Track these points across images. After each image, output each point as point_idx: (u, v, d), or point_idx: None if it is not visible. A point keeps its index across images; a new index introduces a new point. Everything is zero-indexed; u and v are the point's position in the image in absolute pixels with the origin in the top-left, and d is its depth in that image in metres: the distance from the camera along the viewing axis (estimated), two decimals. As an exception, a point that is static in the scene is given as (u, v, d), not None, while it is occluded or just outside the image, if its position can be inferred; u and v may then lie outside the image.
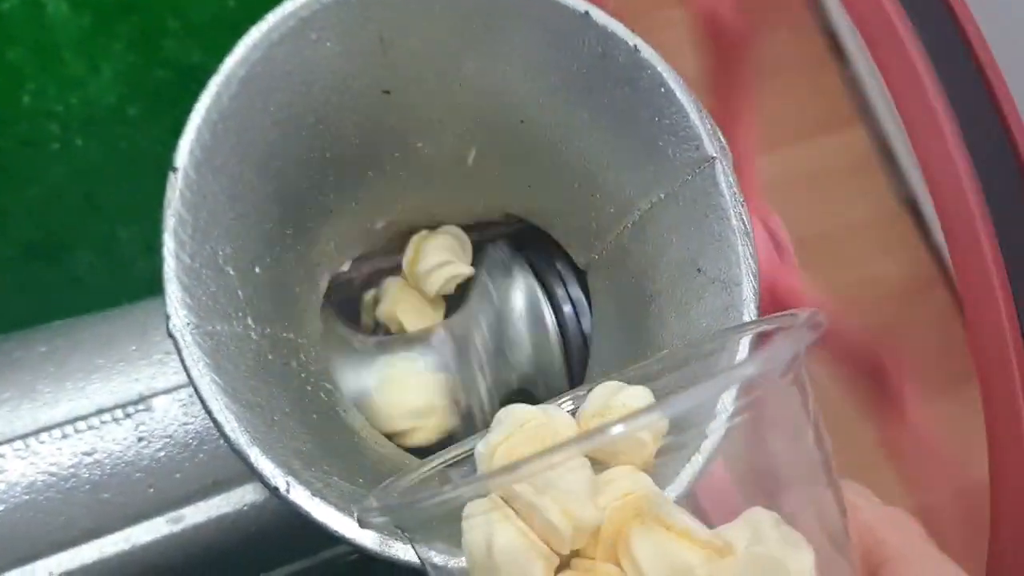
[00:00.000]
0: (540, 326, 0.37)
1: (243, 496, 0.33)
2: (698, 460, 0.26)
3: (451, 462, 0.27)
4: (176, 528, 0.33)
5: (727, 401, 0.23)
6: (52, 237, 0.50)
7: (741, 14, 0.47)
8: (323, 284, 0.36)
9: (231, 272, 0.30)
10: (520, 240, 0.39)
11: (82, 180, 0.50)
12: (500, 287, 0.38)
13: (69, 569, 0.32)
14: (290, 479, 0.27)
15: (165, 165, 0.52)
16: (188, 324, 0.28)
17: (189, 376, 0.28)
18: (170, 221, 0.29)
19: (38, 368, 0.33)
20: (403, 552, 0.27)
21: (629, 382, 0.28)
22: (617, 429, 0.20)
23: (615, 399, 0.25)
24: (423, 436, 0.36)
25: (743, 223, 0.31)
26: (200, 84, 0.30)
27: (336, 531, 0.27)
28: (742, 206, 0.31)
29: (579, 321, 0.37)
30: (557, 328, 0.37)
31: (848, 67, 0.92)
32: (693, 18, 0.48)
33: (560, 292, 0.37)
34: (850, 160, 0.91)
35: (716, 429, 0.25)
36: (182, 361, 0.28)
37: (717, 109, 0.45)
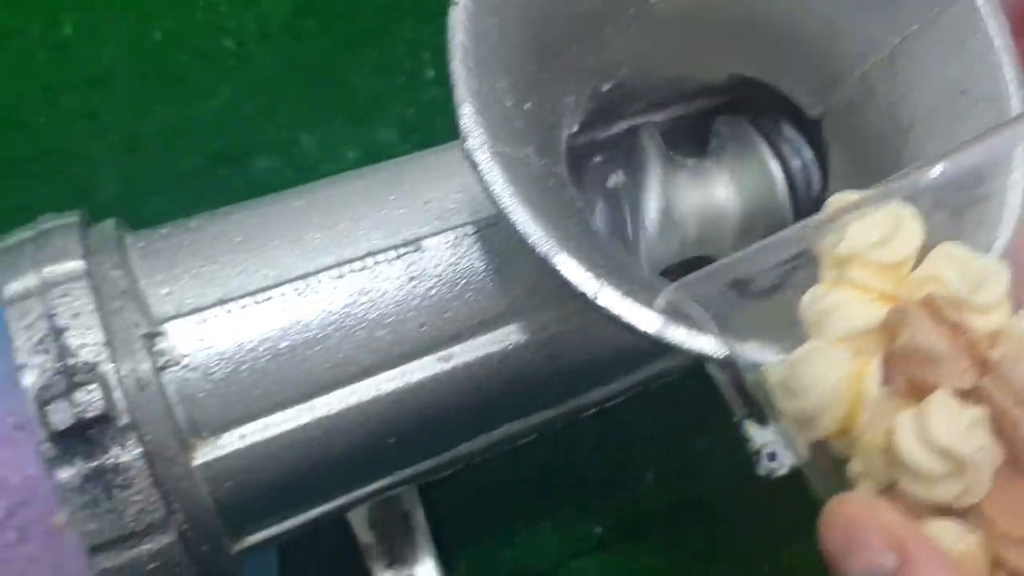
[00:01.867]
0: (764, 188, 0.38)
1: (508, 335, 0.34)
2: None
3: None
4: (447, 366, 0.33)
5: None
6: (235, 145, 0.51)
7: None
8: (561, 147, 0.36)
9: (508, 104, 0.31)
10: (738, 105, 0.40)
11: (259, 92, 0.51)
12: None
13: (348, 405, 0.32)
14: (602, 281, 0.28)
15: (341, 77, 0.53)
16: (484, 144, 0.29)
17: (488, 192, 0.28)
18: (457, 50, 0.30)
19: (303, 219, 0.34)
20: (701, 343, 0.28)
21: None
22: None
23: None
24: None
25: (1005, 40, 0.31)
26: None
27: (644, 330, 0.28)
28: (1004, 25, 0.31)
29: (808, 180, 0.38)
30: (787, 185, 0.38)
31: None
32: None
33: (788, 149, 0.38)
34: None
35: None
36: (480, 178, 0.29)
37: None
